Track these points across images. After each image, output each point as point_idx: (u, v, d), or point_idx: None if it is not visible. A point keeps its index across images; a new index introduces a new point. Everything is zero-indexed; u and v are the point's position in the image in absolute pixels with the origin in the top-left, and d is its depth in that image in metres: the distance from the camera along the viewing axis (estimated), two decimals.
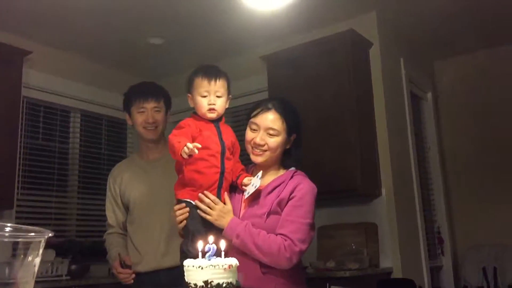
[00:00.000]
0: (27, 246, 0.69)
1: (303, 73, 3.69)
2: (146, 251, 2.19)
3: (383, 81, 3.76)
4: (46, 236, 0.71)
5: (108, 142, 4.70)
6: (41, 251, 0.70)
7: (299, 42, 3.81)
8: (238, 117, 4.38)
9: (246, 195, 1.82)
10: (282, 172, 1.90)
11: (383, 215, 3.56)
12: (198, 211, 1.77)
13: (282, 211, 1.78)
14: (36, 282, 2.74)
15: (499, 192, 4.42)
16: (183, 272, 1.37)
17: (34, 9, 3.52)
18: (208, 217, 1.76)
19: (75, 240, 4.12)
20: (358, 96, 3.55)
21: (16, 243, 0.69)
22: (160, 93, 2.35)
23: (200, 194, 1.77)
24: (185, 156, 1.68)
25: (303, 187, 1.80)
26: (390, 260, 3.50)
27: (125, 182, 2.32)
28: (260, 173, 1.82)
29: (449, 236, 4.53)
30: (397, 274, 3.46)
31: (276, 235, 1.74)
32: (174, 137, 1.74)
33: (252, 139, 1.86)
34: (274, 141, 1.84)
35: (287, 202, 1.78)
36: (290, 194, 1.78)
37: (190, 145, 1.66)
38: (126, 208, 2.32)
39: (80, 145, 4.43)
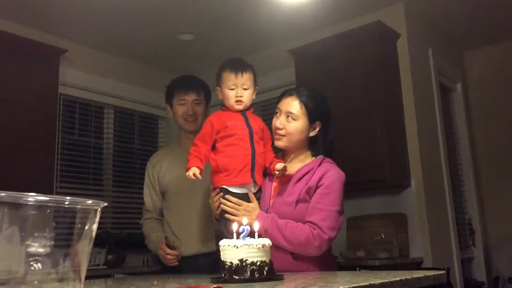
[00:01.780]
0: (86, 215, 0.77)
1: (331, 66, 3.73)
2: (185, 236, 2.28)
3: (411, 72, 3.76)
4: (102, 205, 0.79)
5: (141, 137, 4.84)
6: (97, 218, 0.78)
7: (327, 35, 3.85)
8: (267, 111, 4.44)
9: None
10: (309, 160, 1.94)
11: (412, 206, 3.57)
12: (226, 215, 1.83)
13: (310, 199, 1.81)
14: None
15: None
16: (219, 256, 1.45)
17: (69, 9, 3.66)
18: (236, 218, 1.80)
19: (111, 232, 4.26)
20: (386, 88, 3.57)
21: (75, 215, 0.77)
22: (200, 86, 2.44)
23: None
24: (188, 178, 1.84)
25: (331, 175, 1.83)
26: (420, 250, 3.51)
27: (164, 170, 2.42)
28: (291, 156, 1.91)
29: (481, 227, 4.50)
30: (427, 264, 3.47)
31: (305, 223, 1.78)
32: (192, 148, 1.90)
33: (274, 123, 1.93)
34: (292, 126, 1.88)
35: (315, 190, 1.81)
36: (318, 182, 1.82)
37: (191, 174, 1.81)
38: (163, 194, 2.42)
39: (114, 140, 4.57)
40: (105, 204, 0.78)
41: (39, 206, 0.71)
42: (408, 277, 1.30)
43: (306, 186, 1.82)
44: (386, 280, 1.21)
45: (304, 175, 1.86)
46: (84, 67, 4.27)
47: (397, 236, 3.51)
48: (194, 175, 1.83)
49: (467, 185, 4.55)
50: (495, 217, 4.56)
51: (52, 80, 3.76)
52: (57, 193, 3.92)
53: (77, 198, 0.78)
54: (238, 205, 1.82)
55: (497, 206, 4.54)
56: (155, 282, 1.59)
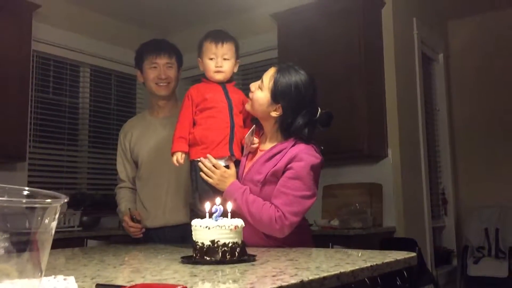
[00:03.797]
0: (44, 212, 0.73)
1: (314, 33, 3.65)
2: (152, 207, 2.25)
3: (394, 41, 3.71)
4: (62, 202, 0.75)
5: (118, 97, 4.73)
6: (57, 216, 0.75)
7: (311, 0, 3.75)
8: (247, 76, 4.37)
9: (244, 152, 1.86)
10: (280, 139, 1.83)
11: (388, 176, 3.61)
12: (201, 173, 1.81)
13: (278, 181, 1.73)
14: None
15: (505, 156, 4.44)
16: (191, 229, 1.43)
17: None
18: (209, 180, 1.79)
19: (86, 193, 4.22)
20: (368, 56, 3.53)
21: (33, 214, 0.73)
22: (172, 49, 2.35)
23: (201, 158, 1.81)
24: (174, 164, 1.85)
25: (301, 159, 1.71)
26: (393, 220, 3.57)
27: (135, 138, 2.36)
28: (253, 127, 1.83)
29: (453, 197, 4.59)
30: (400, 233, 3.54)
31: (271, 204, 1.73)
32: (176, 126, 1.90)
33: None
34: (256, 94, 1.81)
35: (283, 172, 1.73)
36: (287, 165, 1.72)
37: (175, 160, 1.84)
38: (136, 163, 2.37)
39: (90, 100, 4.47)
40: (65, 200, 0.74)
41: None
42: (379, 262, 1.30)
43: (273, 168, 1.73)
44: (357, 267, 1.21)
45: (274, 155, 1.77)
46: (58, 23, 4.11)
47: (372, 205, 3.56)
48: (178, 161, 1.83)
49: (443, 156, 4.61)
50: (467, 187, 4.66)
51: (24, 37, 3.61)
52: (30, 154, 3.84)
53: (37, 192, 0.74)
54: (216, 168, 1.80)
55: (470, 177, 4.63)
56: (126, 258, 1.58)
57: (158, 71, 2.28)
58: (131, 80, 4.82)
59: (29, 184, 3.82)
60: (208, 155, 1.81)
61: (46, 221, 0.75)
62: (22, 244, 0.73)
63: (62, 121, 4.24)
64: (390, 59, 3.70)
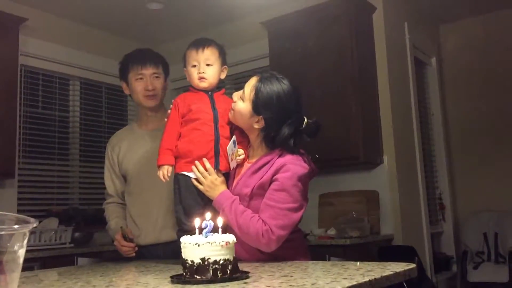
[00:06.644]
0: (10, 239, 0.67)
1: (305, 40, 3.62)
2: (144, 224, 2.17)
3: (386, 46, 3.68)
4: (30, 228, 0.69)
5: (108, 109, 4.67)
6: (25, 242, 0.68)
7: (300, 7, 3.71)
8: (239, 84, 4.32)
9: (231, 166, 1.78)
10: (266, 150, 1.77)
11: (384, 183, 3.56)
12: (192, 179, 1.75)
13: (265, 193, 1.68)
14: (41, 250, 2.70)
15: (501, 159, 4.40)
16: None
17: None
18: (199, 186, 1.73)
19: (78, 208, 4.14)
20: (360, 62, 3.49)
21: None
22: (158, 59, 2.27)
23: (196, 161, 1.75)
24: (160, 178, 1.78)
25: (287, 169, 1.65)
26: (391, 227, 3.52)
27: (123, 152, 2.28)
28: (234, 137, 1.76)
29: (451, 202, 4.54)
30: (397, 241, 3.49)
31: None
32: (163, 136, 1.84)
33: None
34: (237, 105, 1.74)
35: (270, 184, 1.67)
36: (272, 177, 1.67)
37: (161, 175, 1.77)
38: (124, 177, 2.29)
39: (80, 113, 4.40)
40: (34, 225, 0.68)
41: None
42: (377, 276, 1.25)
43: (260, 181, 1.68)
44: (355, 283, 1.15)
45: (261, 167, 1.71)
46: (46, 36, 4.06)
47: (369, 213, 3.50)
48: (164, 176, 1.76)
49: (439, 160, 4.57)
50: (465, 192, 4.61)
51: (11, 51, 3.56)
52: (19, 170, 3.76)
53: (4, 216, 0.68)
54: (209, 174, 1.73)
55: (467, 181, 4.59)
56: (114, 279, 1.51)
57: (145, 82, 2.21)
58: (121, 92, 4.72)
59: (19, 200, 3.75)
60: (204, 159, 1.74)
61: (15, 247, 0.68)
62: None
63: (52, 136, 4.17)
64: (382, 65, 3.67)
